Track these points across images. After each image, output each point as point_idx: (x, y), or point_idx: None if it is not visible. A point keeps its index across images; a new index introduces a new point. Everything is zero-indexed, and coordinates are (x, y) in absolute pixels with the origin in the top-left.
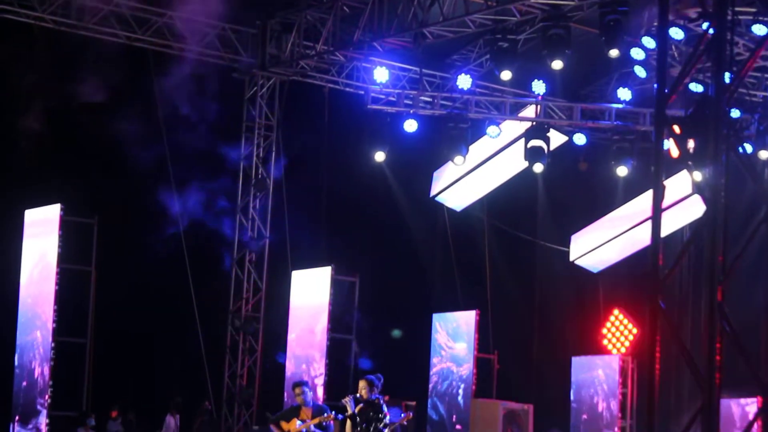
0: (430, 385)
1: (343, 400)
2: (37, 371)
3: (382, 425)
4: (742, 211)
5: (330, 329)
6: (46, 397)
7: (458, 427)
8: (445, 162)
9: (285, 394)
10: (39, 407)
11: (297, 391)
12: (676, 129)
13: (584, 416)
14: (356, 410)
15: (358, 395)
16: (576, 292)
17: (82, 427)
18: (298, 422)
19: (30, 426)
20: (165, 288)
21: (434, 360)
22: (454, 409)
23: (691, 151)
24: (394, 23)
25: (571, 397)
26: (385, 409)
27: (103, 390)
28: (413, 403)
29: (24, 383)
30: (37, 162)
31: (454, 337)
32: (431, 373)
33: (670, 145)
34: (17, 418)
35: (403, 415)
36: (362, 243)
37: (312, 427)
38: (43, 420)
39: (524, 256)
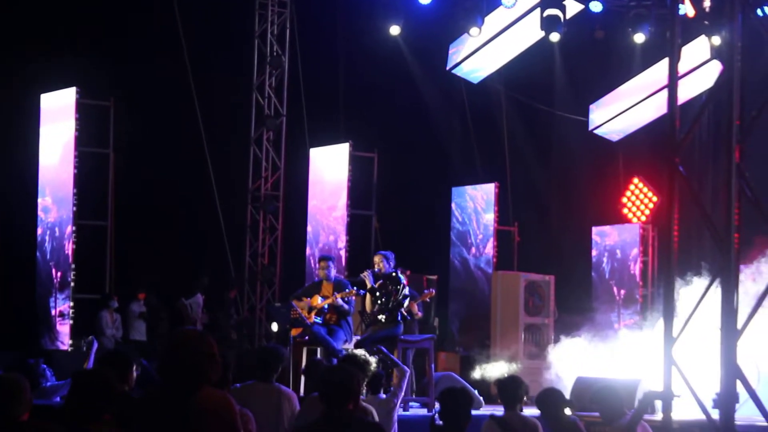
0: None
1: (362, 275)
2: (65, 249)
3: (401, 297)
4: (759, 74)
5: (350, 205)
6: (72, 276)
7: None
8: (460, 34)
9: (306, 272)
10: (69, 280)
11: (322, 264)
12: None
13: (606, 285)
14: (376, 285)
15: (375, 269)
16: (595, 161)
17: (105, 310)
18: (320, 298)
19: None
20: (184, 169)
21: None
22: None
23: (707, 10)
24: None
25: (592, 267)
26: (403, 280)
27: (126, 272)
28: (435, 277)
29: (52, 262)
30: (50, 45)
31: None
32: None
33: (686, 5)
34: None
35: (425, 291)
36: (380, 118)
37: (339, 301)
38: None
39: (542, 127)
